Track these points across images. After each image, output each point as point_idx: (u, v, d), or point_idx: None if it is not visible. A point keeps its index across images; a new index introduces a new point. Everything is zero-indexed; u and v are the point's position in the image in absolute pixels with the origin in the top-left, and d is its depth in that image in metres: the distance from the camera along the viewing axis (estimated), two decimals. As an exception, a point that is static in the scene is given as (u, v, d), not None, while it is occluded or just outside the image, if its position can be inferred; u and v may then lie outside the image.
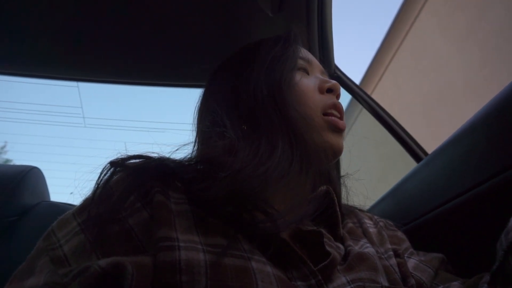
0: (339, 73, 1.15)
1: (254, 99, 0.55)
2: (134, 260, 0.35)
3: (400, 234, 0.62)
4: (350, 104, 1.40)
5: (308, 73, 0.62)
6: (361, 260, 0.48)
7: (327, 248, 0.46)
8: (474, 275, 0.54)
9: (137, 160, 0.46)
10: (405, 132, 0.94)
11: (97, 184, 0.44)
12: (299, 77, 0.59)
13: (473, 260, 0.59)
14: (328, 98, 0.59)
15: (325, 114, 0.57)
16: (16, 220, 0.91)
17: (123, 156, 0.46)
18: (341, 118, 0.58)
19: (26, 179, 1.00)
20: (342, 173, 0.68)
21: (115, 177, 0.44)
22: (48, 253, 0.39)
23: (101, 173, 0.44)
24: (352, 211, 0.64)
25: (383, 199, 0.92)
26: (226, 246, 0.39)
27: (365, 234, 0.58)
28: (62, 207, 1.00)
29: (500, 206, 0.54)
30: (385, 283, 0.46)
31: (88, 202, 0.42)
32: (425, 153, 0.93)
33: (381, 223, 0.63)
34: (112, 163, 0.45)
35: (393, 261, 0.53)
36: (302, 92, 0.57)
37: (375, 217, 0.65)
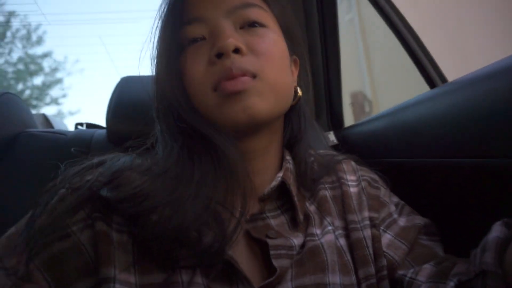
0: None
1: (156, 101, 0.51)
2: None
3: (383, 194, 0.58)
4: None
5: (205, 37, 0.49)
6: (311, 256, 0.47)
7: (274, 261, 0.45)
8: (460, 238, 0.54)
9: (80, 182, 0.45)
10: (422, 47, 0.79)
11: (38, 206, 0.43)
12: (184, 59, 0.49)
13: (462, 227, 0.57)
14: (217, 68, 0.46)
15: (216, 89, 0.47)
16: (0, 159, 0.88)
17: (65, 177, 0.45)
18: (232, 77, 0.45)
19: (-1, 109, 0.92)
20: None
21: (56, 196, 0.44)
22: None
23: (44, 196, 0.44)
24: (332, 167, 0.59)
25: (378, 118, 0.86)
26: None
27: (343, 199, 0.55)
28: (45, 137, 0.95)
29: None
30: (336, 279, 0.47)
31: (29, 225, 0.42)
32: (444, 80, 0.81)
33: (364, 182, 0.58)
34: (53, 186, 0.45)
35: (368, 232, 0.53)
36: (187, 82, 0.48)
37: (360, 171, 0.60)
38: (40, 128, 1.07)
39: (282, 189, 0.52)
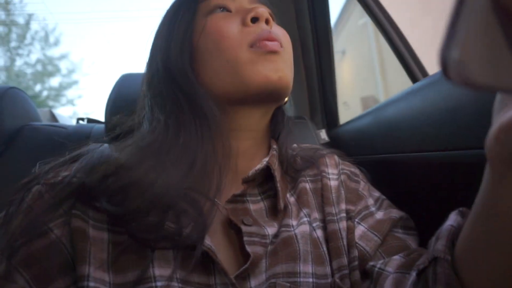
0: None
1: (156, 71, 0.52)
2: None
3: (362, 187, 0.59)
4: None
5: (230, 10, 0.53)
6: (284, 246, 0.48)
7: (248, 247, 0.46)
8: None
9: (55, 177, 0.45)
10: (405, 42, 0.81)
11: (13, 204, 0.44)
12: (213, 19, 0.51)
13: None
14: (254, 29, 0.50)
15: (253, 46, 0.49)
16: (3, 150, 0.92)
17: (39, 173, 0.45)
18: (271, 38, 0.49)
19: (3, 103, 0.97)
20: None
21: (31, 193, 0.44)
22: None
23: (17, 193, 0.44)
24: (315, 160, 0.60)
25: (365, 115, 0.87)
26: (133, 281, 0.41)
27: (322, 192, 0.56)
28: (46, 130, 0.99)
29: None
30: (307, 269, 0.48)
31: (5, 224, 0.42)
32: (425, 75, 0.83)
33: (344, 176, 0.60)
34: (27, 183, 0.45)
35: (343, 224, 0.53)
36: (218, 37, 0.49)
37: (342, 165, 0.61)
38: (46, 122, 1.11)
39: (266, 175, 0.53)
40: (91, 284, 0.40)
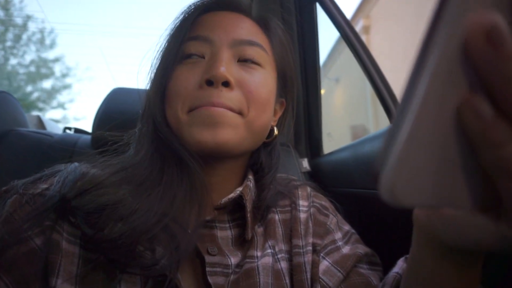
0: None
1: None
2: None
3: (330, 221, 0.60)
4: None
5: (204, 57, 0.52)
6: (246, 278, 0.49)
7: (209, 278, 0.47)
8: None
9: (34, 189, 0.46)
10: (386, 85, 0.85)
11: None
12: (180, 70, 0.52)
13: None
14: (203, 94, 0.49)
15: (193, 110, 0.50)
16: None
17: (17, 183, 0.47)
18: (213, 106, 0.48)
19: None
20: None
21: (11, 201, 0.45)
22: None
23: None
24: (288, 192, 0.61)
25: (346, 149, 0.90)
26: None
27: (292, 223, 0.58)
28: (32, 137, 1.00)
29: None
30: None
31: None
32: None
33: (313, 209, 0.61)
34: (5, 191, 0.46)
35: (309, 257, 0.54)
36: (174, 92, 0.51)
37: (313, 198, 0.62)
38: (32, 129, 1.12)
39: (237, 204, 0.54)
40: None
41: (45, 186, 0.46)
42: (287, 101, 0.62)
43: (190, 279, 0.48)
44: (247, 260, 0.51)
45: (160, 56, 0.54)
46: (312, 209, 0.60)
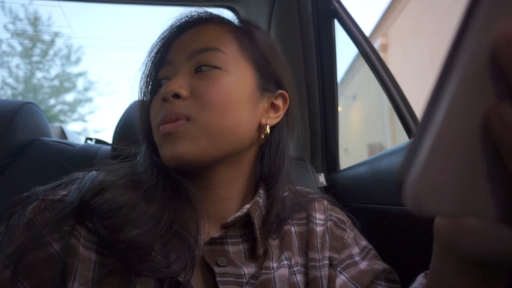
0: (336, 5, 1.02)
1: None
2: None
3: (347, 235, 0.60)
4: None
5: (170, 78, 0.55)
6: None
7: (221, 287, 0.47)
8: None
9: (54, 195, 0.48)
10: (405, 101, 0.85)
11: (14, 216, 0.46)
12: (156, 96, 0.55)
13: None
14: (161, 112, 0.52)
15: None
16: (12, 161, 0.95)
17: (38, 190, 0.48)
18: (167, 121, 0.51)
19: (18, 117, 1.00)
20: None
21: (31, 207, 0.46)
22: None
23: (17, 206, 0.47)
24: (304, 204, 0.61)
25: (363, 164, 0.90)
26: None
27: (308, 236, 0.57)
28: (55, 146, 1.02)
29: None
30: None
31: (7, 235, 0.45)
32: None
33: (330, 222, 0.60)
34: (27, 197, 0.48)
35: (325, 272, 0.54)
36: (151, 118, 0.55)
37: (330, 211, 0.62)
38: (55, 138, 1.15)
39: (247, 220, 0.54)
40: None
41: (64, 192, 0.48)
42: (288, 92, 0.60)
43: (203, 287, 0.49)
44: (263, 271, 0.51)
45: (142, 82, 0.59)
46: (329, 223, 0.60)
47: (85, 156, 1.00)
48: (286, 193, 0.61)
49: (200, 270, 0.50)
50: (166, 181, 0.51)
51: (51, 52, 9.91)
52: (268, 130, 0.57)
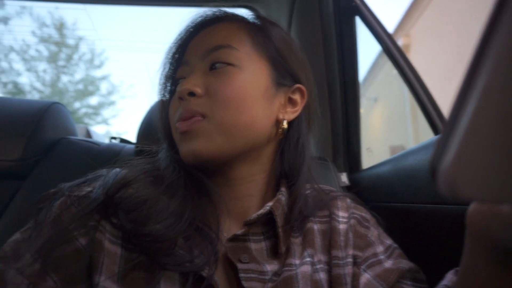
0: (358, 1, 1.00)
1: None
2: None
3: (371, 234, 0.59)
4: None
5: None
6: (285, 286, 0.49)
7: (244, 283, 0.48)
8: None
9: (79, 191, 0.49)
10: (431, 99, 0.82)
11: (42, 212, 0.48)
12: (173, 96, 0.57)
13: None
14: (178, 110, 0.54)
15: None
16: (40, 160, 0.99)
17: (64, 186, 0.50)
18: (183, 118, 0.52)
19: (47, 116, 1.04)
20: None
21: (58, 203, 0.48)
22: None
23: (44, 202, 0.49)
24: (327, 202, 0.60)
25: (387, 162, 0.88)
26: None
27: (331, 234, 0.56)
28: (81, 145, 1.05)
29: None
30: None
31: (35, 229, 0.46)
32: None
33: (353, 220, 0.59)
34: (54, 193, 0.49)
35: (349, 270, 0.53)
36: (170, 117, 0.57)
37: (353, 209, 0.61)
38: (81, 137, 1.18)
39: (269, 218, 0.54)
40: None
41: (89, 189, 0.49)
42: (306, 86, 0.59)
43: (227, 285, 0.49)
44: (286, 268, 0.51)
45: (161, 82, 0.61)
46: (352, 221, 0.59)
47: (110, 154, 1.02)
48: (308, 191, 0.61)
49: (222, 266, 0.50)
50: (187, 178, 0.52)
51: (75, 57, 10.20)
52: (285, 125, 0.57)
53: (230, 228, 0.53)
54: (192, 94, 0.52)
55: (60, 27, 9.64)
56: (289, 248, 0.53)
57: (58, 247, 0.44)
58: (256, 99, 0.53)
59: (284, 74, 0.57)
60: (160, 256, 0.44)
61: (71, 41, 10.09)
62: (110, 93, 10.94)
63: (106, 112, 11.11)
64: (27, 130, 0.98)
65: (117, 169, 0.53)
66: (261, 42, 0.57)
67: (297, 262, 0.52)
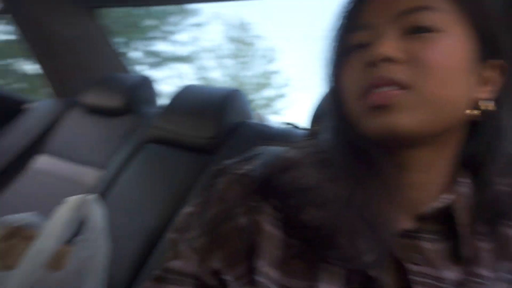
0: None
1: None
2: None
3: None
4: None
5: (365, 45, 0.45)
6: None
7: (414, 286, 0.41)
8: None
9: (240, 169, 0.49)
10: None
11: (208, 188, 0.49)
12: (345, 65, 0.47)
13: None
14: (365, 77, 0.43)
15: (360, 99, 0.44)
16: (226, 139, 1.11)
17: (226, 164, 0.50)
18: (376, 86, 0.42)
19: (231, 101, 1.17)
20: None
21: (223, 181, 0.48)
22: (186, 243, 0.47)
23: (211, 179, 0.50)
24: None
25: None
26: None
27: None
28: (258, 128, 1.14)
29: None
30: None
31: (203, 204, 0.49)
32: None
33: None
34: (219, 170, 0.50)
35: None
36: (342, 89, 0.47)
37: None
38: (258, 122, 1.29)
39: (446, 213, 0.46)
40: (260, 279, 0.42)
41: (249, 167, 0.48)
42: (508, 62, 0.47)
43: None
44: (471, 278, 0.43)
45: (329, 52, 0.51)
46: None
47: (281, 138, 1.06)
48: (504, 187, 0.48)
49: (388, 267, 0.44)
50: (358, 160, 0.45)
51: (252, 53, 11.28)
52: (484, 105, 0.47)
53: (398, 221, 0.46)
54: (388, 60, 0.44)
55: (243, 27, 10.82)
56: (476, 254, 0.44)
57: (222, 223, 0.45)
58: (462, 71, 0.44)
59: (487, 46, 0.46)
60: (321, 247, 0.41)
61: (249, 39, 11.23)
62: (282, 86, 11.71)
63: (279, 103, 11.96)
64: (216, 113, 1.14)
65: (279, 148, 0.52)
66: (467, 2, 0.46)
67: (489, 274, 0.43)
